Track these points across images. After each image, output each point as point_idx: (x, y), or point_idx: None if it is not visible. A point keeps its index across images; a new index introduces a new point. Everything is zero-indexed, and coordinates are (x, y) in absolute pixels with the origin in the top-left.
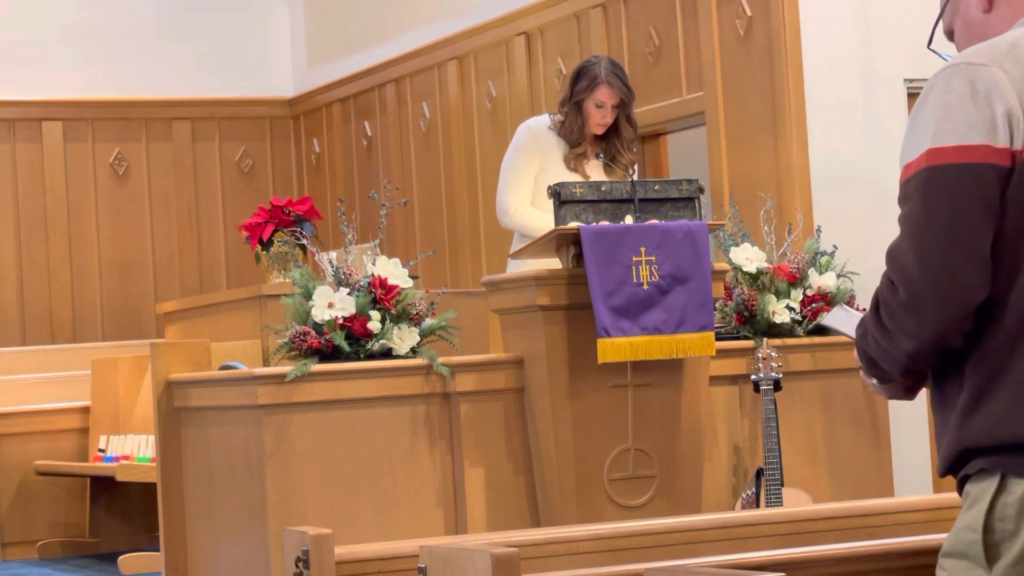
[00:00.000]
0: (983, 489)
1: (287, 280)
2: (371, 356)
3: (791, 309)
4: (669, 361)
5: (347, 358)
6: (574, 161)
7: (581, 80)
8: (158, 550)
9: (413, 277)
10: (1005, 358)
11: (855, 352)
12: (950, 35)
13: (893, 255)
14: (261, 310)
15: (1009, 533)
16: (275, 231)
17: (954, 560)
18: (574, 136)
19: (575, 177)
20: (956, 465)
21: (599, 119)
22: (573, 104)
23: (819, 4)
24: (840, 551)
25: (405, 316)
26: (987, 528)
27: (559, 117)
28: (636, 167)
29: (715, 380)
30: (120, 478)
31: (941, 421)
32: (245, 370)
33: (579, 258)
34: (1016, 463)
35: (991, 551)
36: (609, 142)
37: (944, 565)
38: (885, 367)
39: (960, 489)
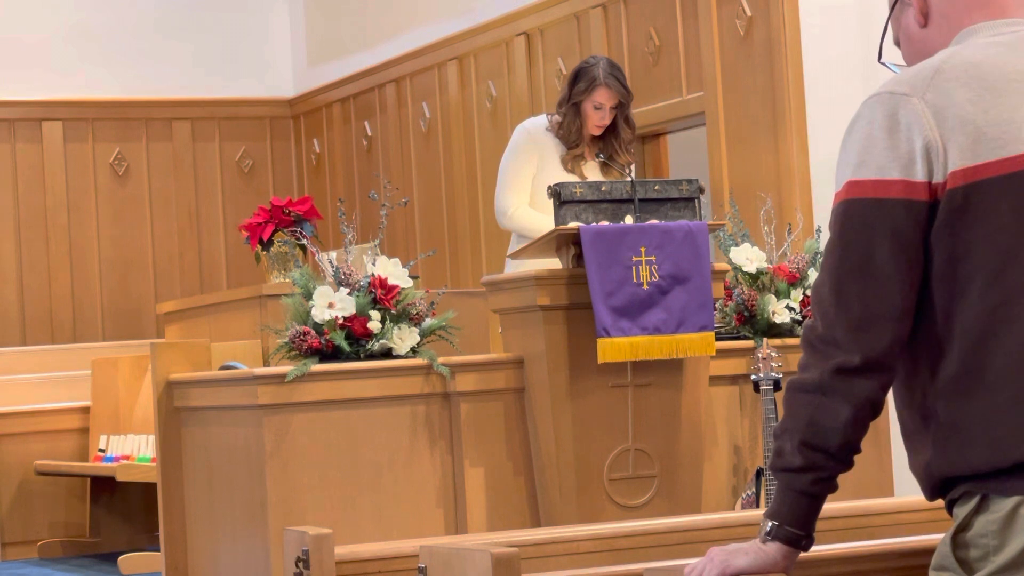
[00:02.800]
0: (964, 508)
1: (287, 280)
2: (371, 356)
3: (791, 309)
4: (669, 361)
5: (347, 358)
6: (571, 162)
7: (579, 81)
8: (158, 550)
9: (413, 277)
10: (965, 391)
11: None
12: (899, 45)
13: (814, 288)
14: (261, 310)
15: (994, 548)
16: (275, 231)
17: (937, 573)
18: (572, 137)
19: (572, 178)
20: (939, 491)
21: (597, 120)
22: (571, 105)
23: (819, 4)
24: (840, 551)
25: (405, 316)
26: (956, 544)
27: (557, 118)
28: (633, 168)
29: (715, 380)
30: (120, 478)
31: (911, 449)
32: (245, 370)
33: (579, 258)
34: (997, 486)
35: (965, 566)
36: (607, 143)
37: None
38: (822, 419)
39: (949, 511)
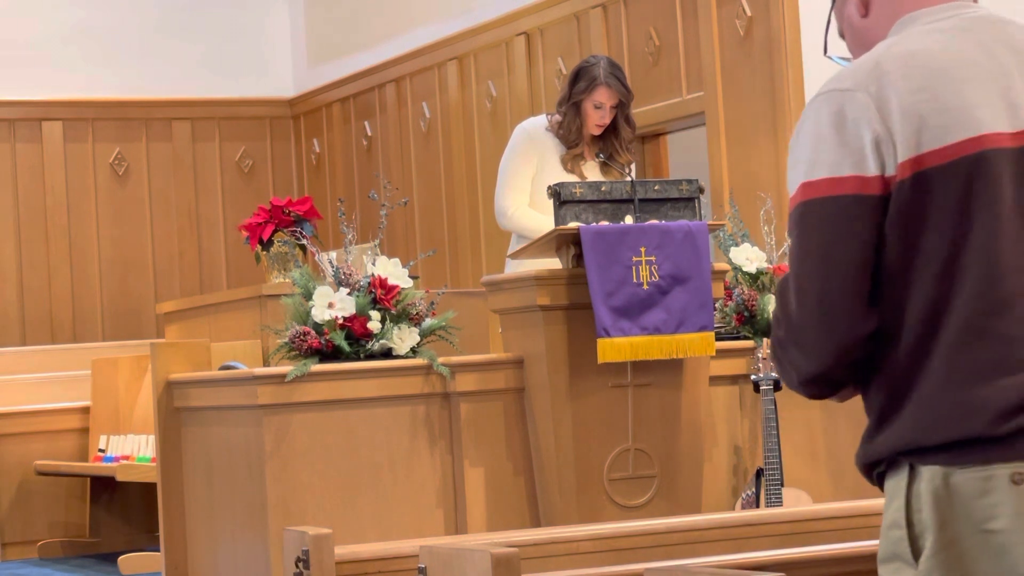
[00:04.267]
0: (897, 482)
1: (287, 280)
2: (371, 356)
3: None
4: (669, 361)
5: (347, 358)
6: (571, 162)
7: (580, 81)
8: (158, 550)
9: (413, 277)
10: (903, 381)
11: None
12: (844, 37)
13: (778, 290)
14: (261, 310)
15: (926, 525)
16: (275, 231)
17: (887, 565)
18: (572, 137)
19: (572, 178)
20: (870, 473)
21: (597, 120)
22: (571, 105)
23: (819, 4)
24: (840, 551)
25: (405, 316)
26: (909, 523)
27: (557, 117)
28: (633, 167)
29: (715, 380)
30: (120, 478)
31: None
32: (245, 370)
33: (579, 258)
34: (920, 459)
35: (915, 545)
36: (607, 142)
37: (881, 573)
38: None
39: (881, 487)
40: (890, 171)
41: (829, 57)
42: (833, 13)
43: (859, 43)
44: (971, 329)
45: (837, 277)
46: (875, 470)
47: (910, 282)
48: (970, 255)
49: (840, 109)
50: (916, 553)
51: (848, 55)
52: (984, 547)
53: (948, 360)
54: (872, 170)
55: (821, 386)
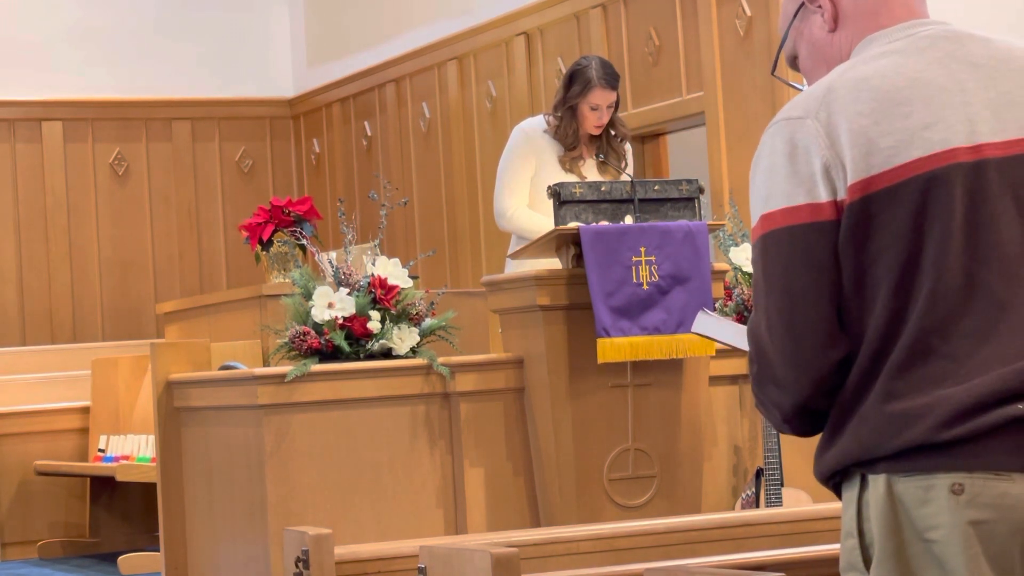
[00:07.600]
0: (851, 492)
1: (287, 280)
2: (371, 356)
3: None
4: (669, 361)
5: (347, 358)
6: (569, 163)
7: (574, 84)
8: (158, 550)
9: (413, 277)
10: (852, 397)
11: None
12: (793, 61)
13: (749, 328)
14: (261, 310)
15: (874, 533)
16: (275, 231)
17: (846, 575)
18: (570, 140)
19: (571, 178)
20: (827, 484)
21: (595, 120)
22: (567, 109)
23: None
24: (840, 551)
25: (405, 316)
26: (860, 532)
27: (554, 120)
28: (629, 150)
29: (715, 380)
30: (120, 478)
31: None
32: (245, 370)
33: (579, 258)
34: (869, 468)
35: (865, 554)
36: (603, 141)
37: None
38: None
39: (839, 495)
40: (841, 195)
41: (777, 77)
42: (789, 33)
43: (819, 59)
44: (916, 347)
45: (802, 307)
46: (831, 480)
47: (865, 304)
48: (923, 274)
49: (791, 138)
50: (867, 562)
51: (793, 79)
52: (926, 556)
53: (892, 377)
54: (823, 196)
55: (805, 419)
